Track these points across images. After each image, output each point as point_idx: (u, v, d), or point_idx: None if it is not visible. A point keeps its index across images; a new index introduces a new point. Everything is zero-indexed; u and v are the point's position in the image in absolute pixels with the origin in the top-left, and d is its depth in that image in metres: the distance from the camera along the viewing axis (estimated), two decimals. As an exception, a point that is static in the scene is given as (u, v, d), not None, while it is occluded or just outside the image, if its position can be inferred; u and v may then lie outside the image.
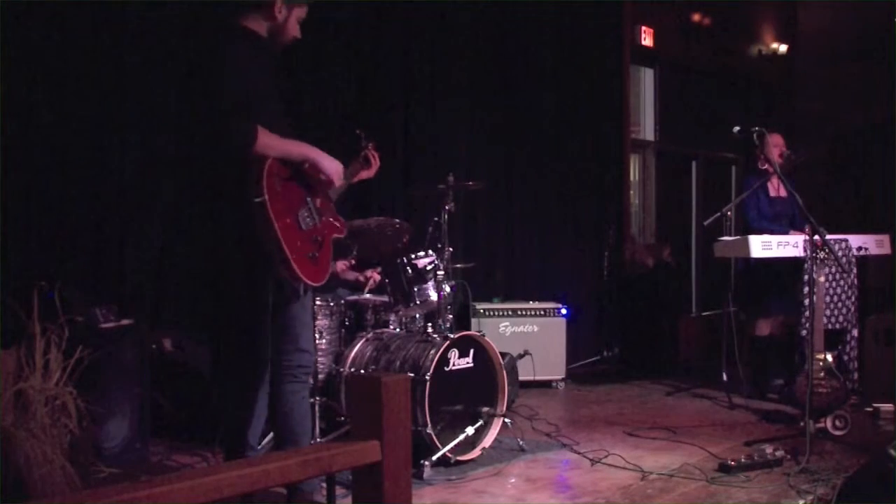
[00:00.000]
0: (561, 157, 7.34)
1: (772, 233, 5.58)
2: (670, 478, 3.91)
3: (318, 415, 4.20)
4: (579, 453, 4.37)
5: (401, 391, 1.82)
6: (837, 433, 4.58)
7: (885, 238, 5.79)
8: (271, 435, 4.20)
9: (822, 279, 4.71)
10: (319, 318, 4.40)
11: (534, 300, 6.51)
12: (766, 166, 5.81)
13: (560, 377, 6.31)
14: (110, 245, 4.59)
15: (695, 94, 8.92)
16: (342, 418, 4.41)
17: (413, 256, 4.48)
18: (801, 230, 5.55)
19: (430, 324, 4.48)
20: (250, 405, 3.23)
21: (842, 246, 5.37)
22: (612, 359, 7.56)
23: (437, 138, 6.29)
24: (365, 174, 3.82)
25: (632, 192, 8.35)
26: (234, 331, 3.24)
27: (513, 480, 3.96)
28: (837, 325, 5.40)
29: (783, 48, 9.77)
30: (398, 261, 4.48)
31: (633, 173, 8.46)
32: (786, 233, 5.65)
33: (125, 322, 4.18)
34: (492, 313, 6.23)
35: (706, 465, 4.09)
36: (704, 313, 8.66)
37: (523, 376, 5.77)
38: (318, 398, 4.22)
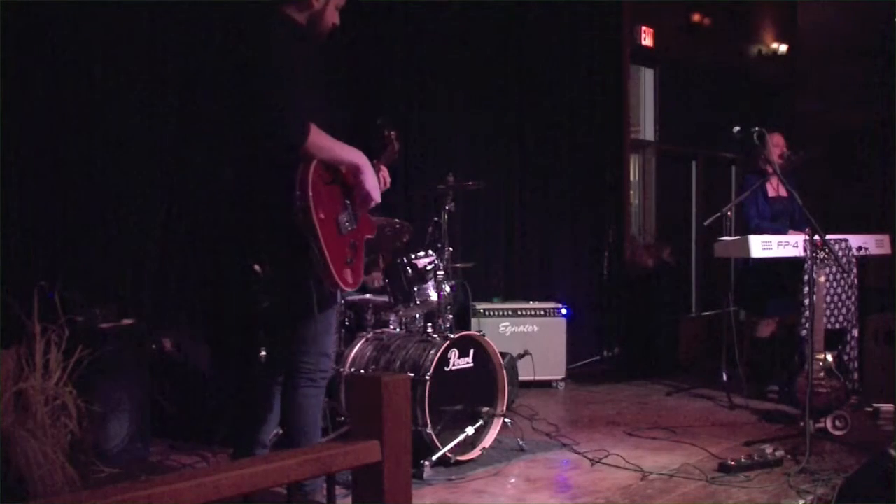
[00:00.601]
0: (561, 156, 7.34)
1: (771, 233, 5.58)
2: (670, 478, 3.90)
3: (318, 415, 4.20)
4: (579, 453, 4.37)
5: (401, 391, 1.82)
6: (837, 433, 4.57)
7: (885, 238, 5.79)
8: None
9: (822, 279, 4.71)
10: (319, 318, 4.40)
11: (534, 300, 6.50)
12: (765, 165, 5.81)
13: (560, 377, 6.31)
14: (110, 245, 4.59)
15: (695, 94, 8.92)
16: (342, 418, 4.41)
17: (413, 256, 4.47)
18: (800, 230, 5.55)
19: (430, 324, 4.48)
20: (270, 404, 3.22)
21: (842, 246, 5.37)
22: (612, 359, 7.56)
23: (437, 138, 6.29)
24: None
25: (632, 192, 8.35)
26: (268, 330, 3.21)
27: (513, 480, 3.96)
28: (837, 325, 5.40)
29: (783, 48, 9.77)
30: (398, 261, 4.48)
31: (633, 173, 8.46)
32: (785, 233, 5.65)
33: (125, 322, 4.18)
34: (492, 313, 6.23)
35: (706, 465, 4.08)
36: (704, 313, 8.65)
37: (523, 376, 5.77)
38: (318, 398, 4.22)
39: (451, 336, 4.23)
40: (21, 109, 4.21)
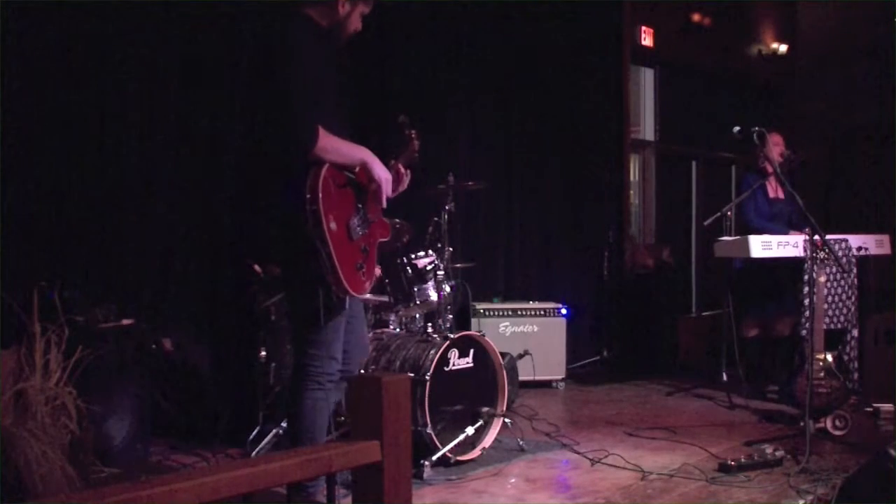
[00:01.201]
0: (561, 157, 7.34)
1: (771, 233, 5.58)
2: (670, 478, 3.90)
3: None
4: (579, 453, 4.37)
5: (401, 391, 1.82)
6: (837, 433, 4.57)
7: (885, 238, 5.79)
8: (271, 434, 4.22)
9: (822, 279, 4.71)
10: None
11: (534, 300, 6.51)
12: (765, 164, 5.81)
13: (560, 377, 6.31)
14: (110, 245, 4.59)
15: (695, 94, 8.92)
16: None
17: (413, 256, 4.47)
18: (800, 230, 5.55)
19: (430, 324, 4.48)
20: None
21: (842, 246, 5.37)
22: (613, 359, 7.56)
23: (437, 138, 6.28)
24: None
25: (632, 192, 8.35)
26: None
27: (513, 480, 3.96)
28: (837, 326, 5.40)
29: (783, 48, 9.78)
30: (398, 261, 4.48)
31: (633, 173, 8.46)
32: (785, 233, 5.65)
33: (125, 322, 4.18)
34: (492, 313, 6.23)
35: (706, 465, 4.08)
36: (704, 313, 8.65)
37: (523, 376, 5.77)
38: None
39: (451, 336, 4.23)
40: (21, 109, 4.21)
